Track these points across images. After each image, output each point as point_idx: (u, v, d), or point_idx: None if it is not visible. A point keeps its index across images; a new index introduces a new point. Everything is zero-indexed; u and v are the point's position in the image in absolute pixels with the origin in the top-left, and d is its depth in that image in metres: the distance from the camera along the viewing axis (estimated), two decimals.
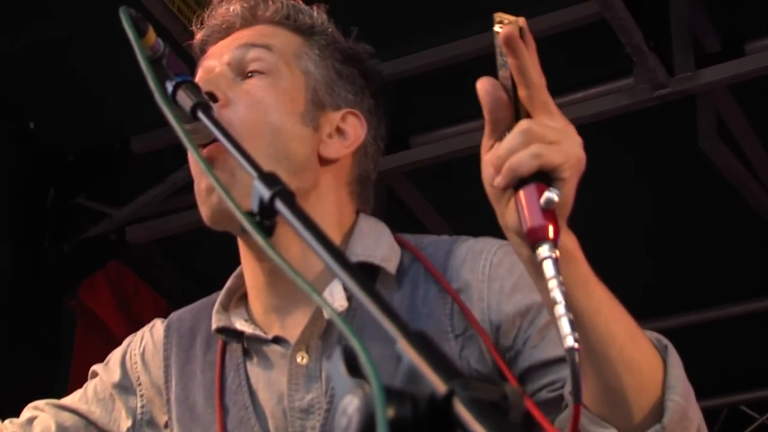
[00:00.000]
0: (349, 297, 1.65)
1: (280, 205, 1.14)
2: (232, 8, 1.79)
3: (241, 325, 1.71)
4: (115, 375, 1.82)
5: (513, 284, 1.63)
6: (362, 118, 1.77)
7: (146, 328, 1.85)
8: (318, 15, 1.81)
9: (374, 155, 1.81)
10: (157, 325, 1.84)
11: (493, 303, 1.63)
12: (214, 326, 1.73)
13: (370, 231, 1.74)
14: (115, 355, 1.85)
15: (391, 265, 1.69)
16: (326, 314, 1.64)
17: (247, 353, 1.72)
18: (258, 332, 1.70)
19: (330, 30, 1.81)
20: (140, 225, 4.21)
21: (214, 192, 1.64)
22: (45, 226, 4.12)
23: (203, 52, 1.81)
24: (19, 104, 3.97)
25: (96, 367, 1.87)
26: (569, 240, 1.34)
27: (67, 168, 4.17)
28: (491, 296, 1.63)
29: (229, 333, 1.72)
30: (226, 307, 1.75)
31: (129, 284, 4.41)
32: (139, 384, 1.80)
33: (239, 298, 1.77)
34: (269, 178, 1.17)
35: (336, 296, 1.66)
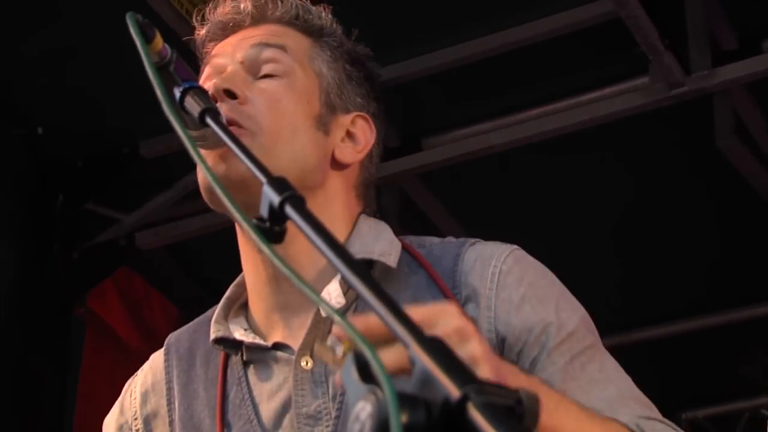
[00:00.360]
0: (346, 293, 1.62)
1: (290, 210, 1.14)
2: (242, 6, 1.76)
3: (240, 334, 1.68)
4: (114, 418, 1.80)
5: (522, 295, 1.62)
6: (371, 122, 1.76)
7: (145, 365, 1.82)
8: (325, 16, 1.79)
9: (377, 158, 1.80)
10: (155, 356, 1.81)
11: (501, 313, 1.60)
12: (212, 336, 1.69)
13: (369, 230, 1.72)
14: (118, 399, 1.82)
15: (390, 259, 1.66)
16: (323, 313, 1.62)
17: (247, 365, 1.69)
18: (257, 340, 1.67)
19: (338, 32, 1.79)
20: (150, 230, 4.19)
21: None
22: (54, 232, 4.11)
23: (204, 47, 1.78)
24: (27, 110, 3.96)
25: (105, 420, 1.83)
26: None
27: (76, 174, 4.16)
28: (499, 306, 1.61)
29: (228, 343, 1.69)
30: (225, 317, 1.72)
31: (139, 291, 4.39)
32: (135, 419, 1.77)
33: (239, 308, 1.74)
34: (279, 183, 1.17)
35: (332, 294, 1.63)
